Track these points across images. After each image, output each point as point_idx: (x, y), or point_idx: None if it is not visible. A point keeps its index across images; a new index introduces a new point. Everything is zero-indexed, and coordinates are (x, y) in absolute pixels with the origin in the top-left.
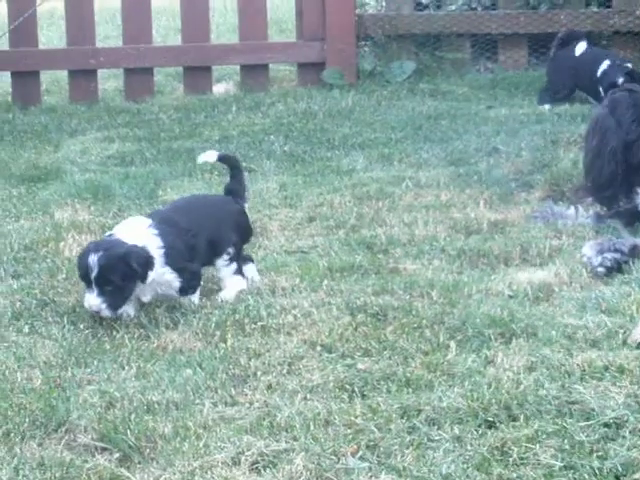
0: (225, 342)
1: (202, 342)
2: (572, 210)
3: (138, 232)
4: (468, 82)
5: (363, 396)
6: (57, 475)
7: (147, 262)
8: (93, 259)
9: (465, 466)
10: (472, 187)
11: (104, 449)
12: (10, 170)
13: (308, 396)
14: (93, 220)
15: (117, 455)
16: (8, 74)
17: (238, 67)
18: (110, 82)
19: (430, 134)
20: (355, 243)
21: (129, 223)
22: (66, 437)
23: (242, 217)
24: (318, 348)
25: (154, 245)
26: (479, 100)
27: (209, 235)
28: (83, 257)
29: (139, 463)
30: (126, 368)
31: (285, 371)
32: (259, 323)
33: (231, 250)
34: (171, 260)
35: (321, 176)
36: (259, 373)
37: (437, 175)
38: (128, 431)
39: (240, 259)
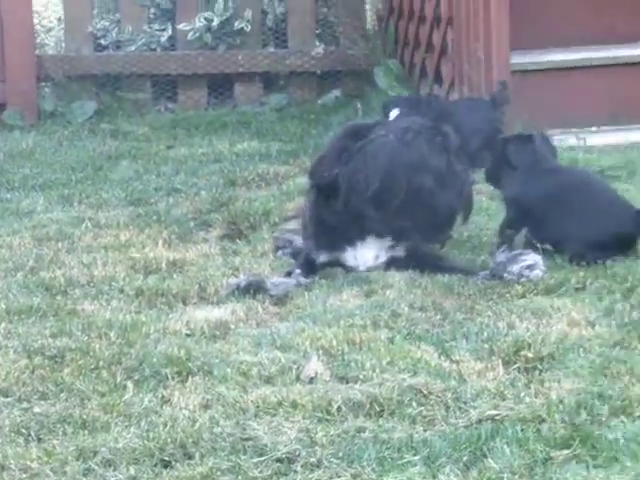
0: None
1: None
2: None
3: None
4: (149, 122)
5: (39, 440)
6: None
7: None
8: None
9: None
10: (151, 227)
11: None
12: None
13: None
14: None
15: None
16: None
17: None
18: None
19: (110, 174)
20: (34, 285)
21: None
22: None
23: None
24: None
25: None
26: (159, 140)
27: None
28: None
29: None
30: None
31: None
32: None
33: None
34: None
35: (0, 219)
36: None
37: (117, 215)
38: None
39: None
